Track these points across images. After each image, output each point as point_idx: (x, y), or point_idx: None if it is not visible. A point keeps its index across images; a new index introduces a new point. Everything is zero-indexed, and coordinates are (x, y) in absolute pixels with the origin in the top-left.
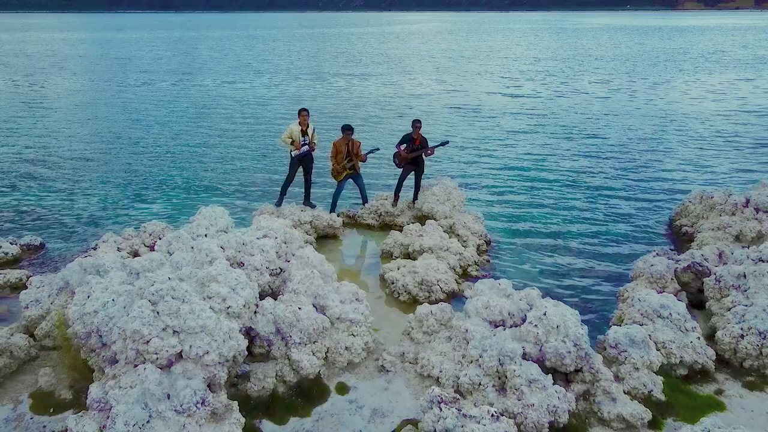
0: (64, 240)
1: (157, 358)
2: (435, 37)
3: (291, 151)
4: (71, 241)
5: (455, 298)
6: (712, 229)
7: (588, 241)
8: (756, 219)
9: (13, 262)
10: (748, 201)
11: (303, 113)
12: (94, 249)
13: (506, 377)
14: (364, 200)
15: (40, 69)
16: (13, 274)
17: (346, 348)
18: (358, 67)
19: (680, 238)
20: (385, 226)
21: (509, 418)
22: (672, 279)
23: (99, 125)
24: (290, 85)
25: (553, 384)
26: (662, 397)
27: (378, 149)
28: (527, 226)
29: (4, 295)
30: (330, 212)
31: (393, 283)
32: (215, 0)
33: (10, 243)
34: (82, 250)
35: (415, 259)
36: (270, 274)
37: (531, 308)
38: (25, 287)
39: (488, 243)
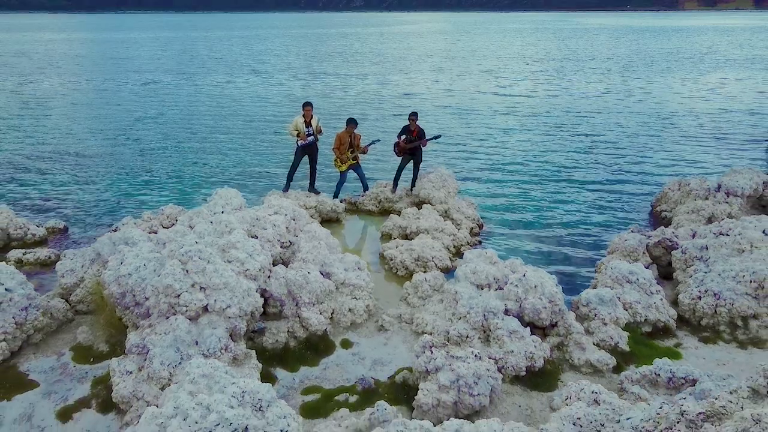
0: (84, 224)
1: (187, 310)
2: (433, 37)
3: (297, 141)
4: (92, 225)
5: (448, 273)
6: (687, 212)
7: (574, 225)
8: (726, 202)
9: (41, 243)
10: (720, 186)
11: (307, 107)
12: (115, 231)
13: (490, 330)
14: (365, 188)
15: (40, 69)
16: (42, 252)
17: (350, 310)
18: (355, 67)
19: (660, 222)
20: (385, 212)
21: (491, 359)
22: (644, 253)
23: (105, 122)
24: (288, 84)
25: (531, 335)
26: (627, 348)
27: (379, 140)
28: (518, 213)
29: (35, 271)
30: (333, 198)
31: (392, 260)
32: (215, 0)
33: (37, 226)
34: (104, 231)
35: (412, 239)
36: (281, 246)
37: (514, 274)
38: (57, 261)
39: (480, 226)
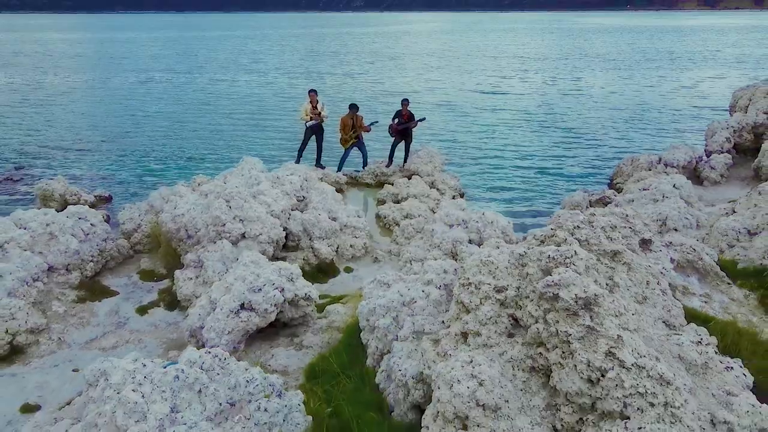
0: (125, 193)
1: (230, 236)
2: (430, 36)
3: (306, 122)
4: (132, 194)
5: None
6: (634, 182)
7: (543, 197)
8: (665, 173)
9: (91, 207)
10: (660, 159)
11: (311, 94)
12: None
13: (457, 254)
14: (365, 164)
15: (42, 68)
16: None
17: (351, 245)
18: (351, 66)
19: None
20: (381, 184)
21: None
22: (587, 207)
23: (116, 118)
24: (283, 82)
25: None
26: None
27: (378, 122)
28: (497, 184)
29: None
30: (336, 171)
31: (385, 218)
32: (215, 1)
33: (86, 193)
34: (142, 199)
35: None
36: (296, 199)
37: (476, 214)
38: (109, 221)
39: (462, 195)
